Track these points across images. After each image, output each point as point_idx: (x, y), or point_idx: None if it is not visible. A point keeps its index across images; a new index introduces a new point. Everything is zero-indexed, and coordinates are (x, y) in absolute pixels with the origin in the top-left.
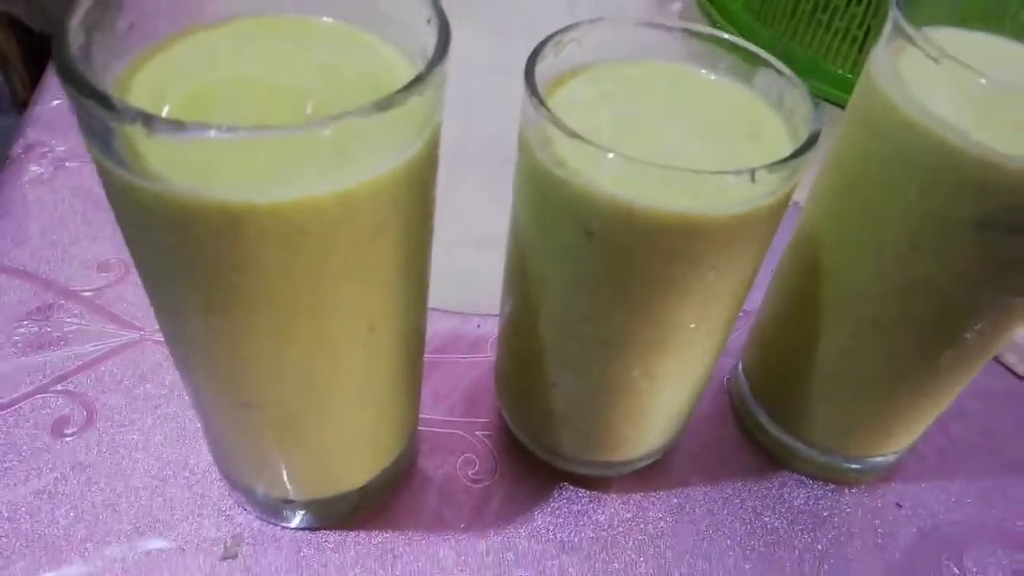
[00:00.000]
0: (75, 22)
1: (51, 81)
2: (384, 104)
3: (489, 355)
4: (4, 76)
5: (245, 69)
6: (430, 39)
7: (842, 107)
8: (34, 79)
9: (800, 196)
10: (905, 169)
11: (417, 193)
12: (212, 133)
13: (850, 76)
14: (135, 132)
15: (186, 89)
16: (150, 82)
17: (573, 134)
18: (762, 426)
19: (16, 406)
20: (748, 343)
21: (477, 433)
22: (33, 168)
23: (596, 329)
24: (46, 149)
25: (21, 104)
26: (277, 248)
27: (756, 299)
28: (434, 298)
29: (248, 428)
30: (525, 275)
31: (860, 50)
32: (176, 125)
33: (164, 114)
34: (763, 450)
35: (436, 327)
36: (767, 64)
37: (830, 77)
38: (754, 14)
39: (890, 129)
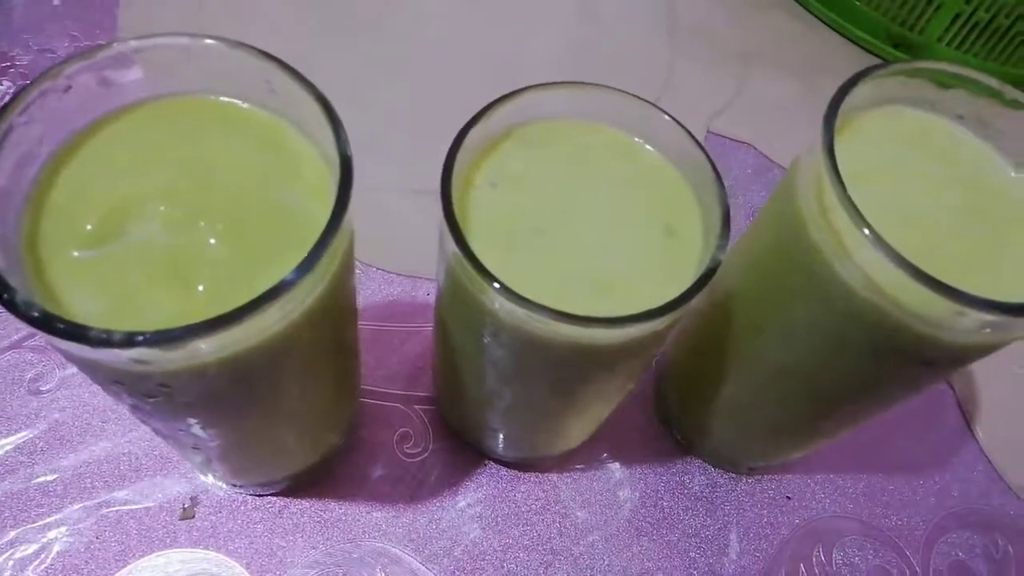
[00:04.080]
0: None
1: None
2: (280, 288)
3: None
4: None
5: (148, 179)
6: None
7: None
8: None
9: None
10: (809, 282)
11: (341, 290)
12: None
13: None
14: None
15: (99, 211)
16: (64, 201)
17: (487, 276)
18: (674, 415)
19: None
20: (671, 340)
21: (415, 407)
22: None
23: (505, 390)
24: (7, 64)
25: None
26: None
27: None
28: (381, 258)
29: (190, 451)
30: (446, 330)
31: None
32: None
33: (81, 245)
34: (673, 434)
35: (384, 292)
36: (694, 148)
37: None
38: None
39: (799, 240)
